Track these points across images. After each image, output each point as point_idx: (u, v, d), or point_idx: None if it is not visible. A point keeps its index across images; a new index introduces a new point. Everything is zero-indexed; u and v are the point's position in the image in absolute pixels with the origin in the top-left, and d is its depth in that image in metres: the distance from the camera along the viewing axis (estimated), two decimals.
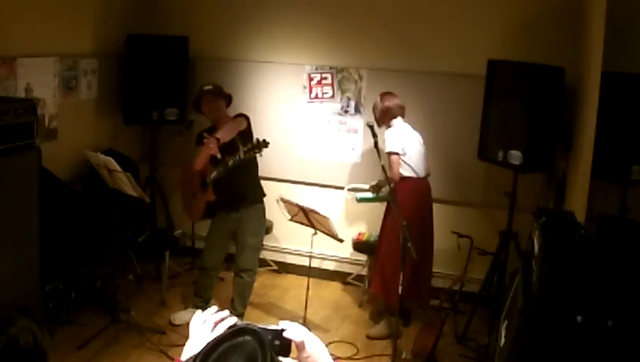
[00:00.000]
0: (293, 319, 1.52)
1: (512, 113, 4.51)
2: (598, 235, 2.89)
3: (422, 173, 4.71)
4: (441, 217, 4.95)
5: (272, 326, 1.43)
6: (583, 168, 3.82)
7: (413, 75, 5.32)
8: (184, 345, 1.62)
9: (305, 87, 5.65)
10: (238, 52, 5.76)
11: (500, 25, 5.08)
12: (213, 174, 4.42)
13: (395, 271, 4.08)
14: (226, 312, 1.64)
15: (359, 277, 5.61)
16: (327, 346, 1.50)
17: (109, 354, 4.22)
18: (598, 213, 3.43)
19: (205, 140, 4.32)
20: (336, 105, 5.60)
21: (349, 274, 5.74)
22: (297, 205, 4.47)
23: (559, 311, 2.58)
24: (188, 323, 1.66)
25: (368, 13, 5.43)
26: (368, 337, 4.77)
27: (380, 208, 5.25)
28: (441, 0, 5.25)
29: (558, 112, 4.51)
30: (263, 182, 4.89)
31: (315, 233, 4.48)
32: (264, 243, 5.75)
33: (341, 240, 4.60)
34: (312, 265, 4.81)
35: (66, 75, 5.02)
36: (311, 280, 4.72)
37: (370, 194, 5.10)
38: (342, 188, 5.60)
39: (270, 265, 5.90)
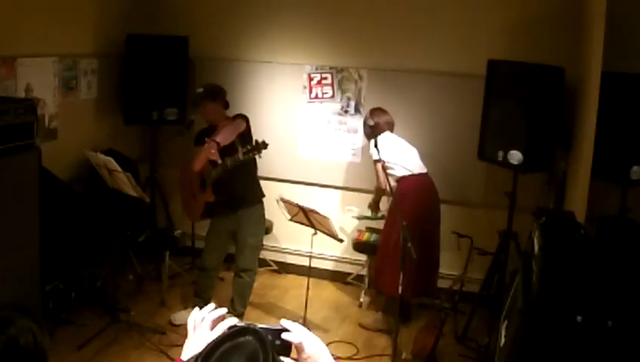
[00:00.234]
0: (293, 319, 1.52)
1: (512, 113, 4.51)
2: (598, 235, 2.89)
3: (417, 170, 4.75)
4: (441, 217, 4.94)
5: (273, 326, 1.43)
6: (583, 168, 3.82)
7: (413, 74, 5.33)
8: (184, 344, 1.63)
9: (305, 87, 5.65)
10: (238, 52, 5.76)
11: (500, 25, 5.08)
12: (212, 175, 4.42)
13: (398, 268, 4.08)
14: (224, 310, 1.64)
15: (359, 277, 5.61)
16: (327, 346, 1.50)
17: (109, 354, 4.22)
18: (598, 213, 3.43)
19: (206, 145, 4.29)
20: (337, 105, 5.60)
21: (349, 274, 5.74)
22: (297, 205, 4.47)
23: (559, 311, 2.58)
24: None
25: (368, 14, 5.43)
26: (361, 325, 4.85)
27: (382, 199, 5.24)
28: (442, 0, 5.25)
29: (558, 112, 4.51)
30: (263, 182, 4.89)
31: (315, 233, 4.48)
32: (264, 243, 5.75)
33: (341, 240, 4.60)
34: (312, 265, 4.80)
35: (66, 75, 5.02)
36: (311, 280, 4.72)
37: (369, 214, 5.25)
38: (342, 188, 5.61)
39: (270, 265, 5.90)
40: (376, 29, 5.41)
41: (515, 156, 4.46)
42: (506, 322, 3.18)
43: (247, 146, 4.18)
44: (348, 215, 5.48)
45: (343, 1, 5.50)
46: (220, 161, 4.27)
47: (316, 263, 5.50)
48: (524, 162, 4.43)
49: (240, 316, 4.62)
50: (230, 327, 1.50)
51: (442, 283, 5.21)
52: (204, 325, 1.60)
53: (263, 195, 4.75)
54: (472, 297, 4.80)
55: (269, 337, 1.36)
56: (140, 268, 5.40)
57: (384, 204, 5.12)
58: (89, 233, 4.79)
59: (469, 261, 4.95)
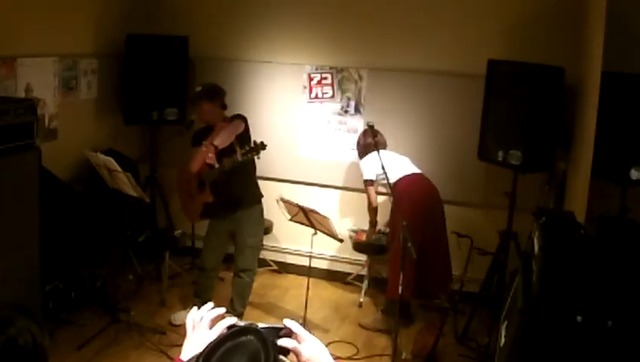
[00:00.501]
0: (293, 319, 1.52)
1: (512, 113, 4.51)
2: (598, 235, 2.89)
3: (409, 171, 4.79)
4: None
5: (274, 325, 1.43)
6: (583, 168, 3.82)
7: (413, 74, 5.33)
8: (183, 344, 1.63)
9: (305, 87, 5.65)
10: (238, 52, 5.76)
11: (500, 24, 5.08)
12: (210, 176, 4.40)
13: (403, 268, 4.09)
14: (222, 309, 1.64)
15: (359, 277, 5.61)
16: (327, 346, 1.50)
17: (109, 354, 4.22)
18: (598, 213, 3.42)
19: (203, 148, 4.26)
20: (337, 105, 5.60)
21: (349, 274, 5.74)
22: (297, 205, 4.47)
23: (559, 311, 2.57)
24: None
25: (368, 14, 5.43)
26: (361, 325, 4.87)
27: (383, 210, 5.26)
28: (442, 0, 5.25)
29: (558, 112, 4.51)
30: (263, 182, 4.89)
31: (315, 233, 4.48)
32: (264, 243, 5.76)
33: (341, 240, 4.61)
34: (312, 265, 4.80)
35: (66, 75, 5.02)
36: (311, 280, 4.72)
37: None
38: (342, 188, 5.61)
39: (270, 265, 5.90)
40: (377, 28, 5.42)
41: (515, 156, 4.46)
42: (506, 322, 3.17)
43: (246, 147, 4.16)
44: (346, 231, 5.44)
45: (344, 1, 5.50)
46: (217, 165, 4.25)
47: (316, 263, 5.51)
48: (524, 162, 4.43)
49: (239, 316, 4.62)
50: (231, 327, 1.50)
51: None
52: (202, 324, 1.60)
53: (262, 196, 4.74)
54: (472, 297, 4.80)
55: (270, 337, 1.35)
56: (140, 268, 5.40)
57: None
58: (89, 233, 4.78)
59: (469, 261, 4.94)
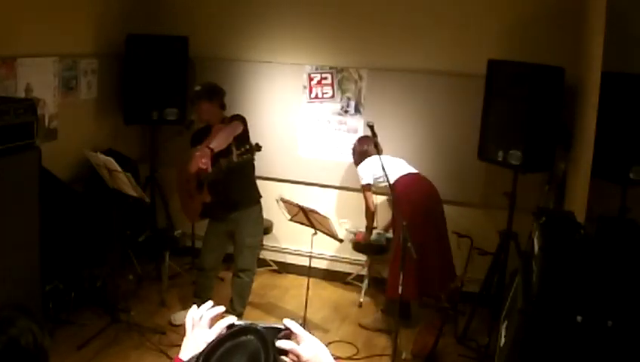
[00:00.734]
0: (293, 319, 1.52)
1: (512, 113, 4.51)
2: (598, 235, 2.89)
3: (406, 171, 4.80)
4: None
5: (274, 325, 1.43)
6: (583, 168, 3.82)
7: (413, 74, 5.33)
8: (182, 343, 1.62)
9: (305, 87, 5.65)
10: (238, 52, 5.76)
11: (500, 24, 5.08)
12: (208, 176, 4.39)
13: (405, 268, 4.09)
14: (222, 308, 1.63)
15: (359, 277, 5.61)
16: (327, 346, 1.49)
17: (109, 354, 4.22)
18: (598, 213, 3.42)
19: (198, 153, 4.22)
20: (337, 105, 5.60)
21: (349, 274, 5.74)
22: (297, 205, 4.47)
23: (559, 311, 2.57)
24: None
25: (368, 13, 5.43)
26: (361, 325, 4.88)
27: (382, 210, 5.27)
28: (442, 0, 5.25)
29: (558, 112, 4.51)
30: (263, 182, 4.89)
31: (315, 233, 4.48)
32: (264, 243, 5.77)
33: (341, 240, 4.61)
34: (312, 265, 4.80)
35: (66, 75, 5.02)
36: (311, 280, 4.72)
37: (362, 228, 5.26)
38: (341, 188, 5.61)
39: (270, 265, 5.90)
40: (377, 28, 5.42)
41: (515, 156, 4.46)
42: (506, 322, 3.17)
43: (242, 148, 4.14)
44: (342, 227, 5.44)
45: (344, 1, 5.50)
46: (210, 170, 4.22)
47: (316, 263, 5.51)
48: (524, 162, 4.43)
49: (239, 316, 4.62)
50: (231, 326, 1.50)
51: None
52: (202, 323, 1.60)
53: (260, 196, 4.74)
54: (472, 297, 4.80)
55: (270, 336, 1.35)
56: (140, 268, 5.40)
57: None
58: (89, 233, 4.78)
59: (469, 261, 4.94)
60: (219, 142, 4.25)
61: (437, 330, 4.49)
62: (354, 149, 5.19)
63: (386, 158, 4.90)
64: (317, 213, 4.37)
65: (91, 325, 4.49)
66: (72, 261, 4.65)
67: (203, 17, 5.79)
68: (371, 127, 4.13)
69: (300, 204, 4.47)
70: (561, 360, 2.58)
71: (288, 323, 1.45)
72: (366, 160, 4.98)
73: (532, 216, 3.56)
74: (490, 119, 4.72)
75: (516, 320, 2.77)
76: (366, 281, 5.42)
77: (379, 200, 5.13)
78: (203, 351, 1.30)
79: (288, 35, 5.65)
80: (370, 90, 5.49)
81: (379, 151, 4.40)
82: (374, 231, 5.27)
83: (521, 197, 4.71)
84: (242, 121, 4.47)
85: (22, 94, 4.45)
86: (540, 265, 2.74)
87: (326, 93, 5.62)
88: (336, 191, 5.69)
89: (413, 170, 4.88)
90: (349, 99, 5.57)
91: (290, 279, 5.77)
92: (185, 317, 1.65)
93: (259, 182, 4.85)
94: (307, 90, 5.64)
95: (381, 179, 4.65)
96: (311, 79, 5.63)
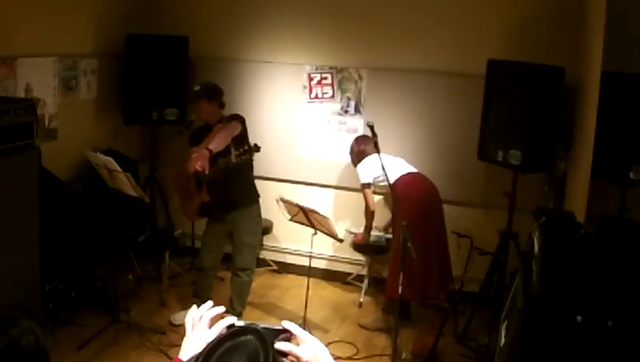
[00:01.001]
0: (293, 319, 1.52)
1: (512, 113, 4.51)
2: (598, 235, 2.89)
3: (406, 170, 4.81)
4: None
5: (274, 326, 1.43)
6: (583, 168, 3.82)
7: (413, 74, 5.33)
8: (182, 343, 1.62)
9: (305, 87, 5.65)
10: (238, 52, 5.76)
11: (500, 24, 5.08)
12: (206, 176, 4.38)
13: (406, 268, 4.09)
14: (222, 308, 1.63)
15: (359, 277, 5.61)
16: (327, 346, 1.49)
17: (109, 354, 4.22)
18: (598, 213, 3.43)
19: (195, 155, 4.23)
20: (337, 105, 5.60)
21: (349, 274, 5.74)
22: (297, 205, 4.47)
23: (559, 311, 2.57)
24: None
25: (368, 13, 5.43)
26: (361, 325, 4.88)
27: (379, 210, 5.26)
28: (442, 0, 5.25)
29: (558, 112, 4.51)
30: (263, 182, 4.89)
31: (315, 233, 4.48)
32: (264, 243, 5.77)
33: (341, 240, 4.61)
34: (312, 265, 4.80)
35: (66, 75, 5.02)
36: (311, 280, 4.72)
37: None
38: (342, 188, 5.61)
39: (270, 265, 5.90)
40: (377, 28, 5.42)
41: (515, 156, 4.46)
42: (506, 322, 3.17)
43: (240, 149, 4.15)
44: (343, 231, 5.43)
45: (344, 1, 5.50)
46: (207, 171, 4.22)
47: (316, 263, 5.51)
48: (524, 162, 4.43)
49: (239, 315, 4.62)
50: (230, 326, 1.50)
51: None
52: (202, 323, 1.60)
53: (259, 196, 4.74)
54: (472, 297, 4.80)
55: (270, 337, 1.35)
56: (140, 268, 5.40)
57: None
58: (89, 233, 4.79)
59: (468, 261, 4.94)
60: (217, 143, 4.25)
61: (437, 330, 4.49)
62: (351, 149, 5.19)
63: (386, 157, 4.90)
64: (317, 213, 4.37)
65: (91, 325, 4.49)
66: (72, 261, 4.65)
67: (203, 17, 5.80)
68: (371, 127, 4.13)
69: (300, 203, 4.47)
70: (561, 360, 2.58)
71: (287, 324, 1.45)
72: (365, 159, 4.98)
73: (532, 215, 3.56)
74: (490, 119, 4.72)
75: (516, 320, 2.77)
76: (366, 281, 5.42)
77: (377, 198, 5.12)
78: (202, 351, 1.30)
79: (288, 35, 5.65)
80: (370, 90, 5.49)
81: (378, 151, 4.40)
82: (374, 232, 5.28)
83: (521, 197, 4.71)
84: (241, 121, 4.47)
85: (22, 94, 4.45)
86: (540, 265, 2.74)
87: (326, 93, 5.62)
88: (336, 191, 5.69)
89: (413, 169, 4.88)
90: (349, 99, 5.57)
91: (290, 279, 5.77)
92: (185, 317, 1.65)
93: (259, 182, 4.85)
94: (307, 90, 5.65)
95: (381, 179, 4.65)
96: (311, 79, 5.63)
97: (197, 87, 4.65)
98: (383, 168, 4.08)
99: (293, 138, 5.71)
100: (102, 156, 4.42)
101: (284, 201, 4.61)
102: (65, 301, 4.53)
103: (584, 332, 2.52)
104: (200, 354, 1.30)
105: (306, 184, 5.72)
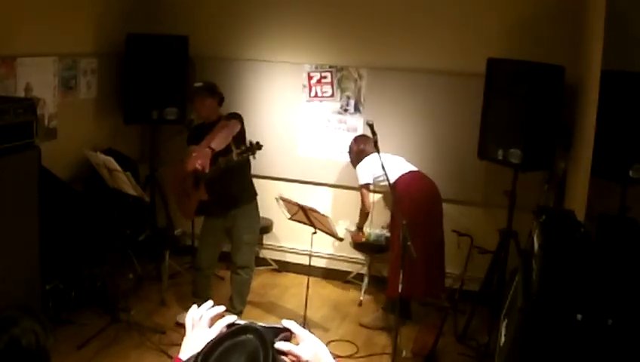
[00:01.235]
0: (293, 318, 1.52)
1: (512, 112, 4.51)
2: (598, 234, 2.89)
3: (406, 169, 4.81)
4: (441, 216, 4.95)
5: (274, 325, 1.43)
6: (583, 167, 3.82)
7: (412, 73, 5.33)
8: (182, 343, 1.62)
9: (304, 86, 5.65)
10: (238, 51, 5.76)
11: (500, 23, 5.07)
12: (206, 175, 4.38)
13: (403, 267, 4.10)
14: (222, 307, 1.63)
15: (359, 276, 5.61)
16: (327, 345, 1.49)
17: (109, 354, 4.22)
18: (598, 212, 3.43)
19: (195, 154, 4.24)
20: (336, 104, 5.60)
21: (349, 272, 5.74)
22: (297, 204, 4.47)
23: (559, 309, 2.58)
24: None
25: (368, 12, 5.43)
26: (361, 324, 4.88)
27: (379, 210, 5.27)
28: None
29: (558, 111, 4.51)
30: (263, 181, 4.89)
31: (315, 232, 4.48)
32: (264, 242, 5.77)
33: (341, 239, 4.61)
34: (312, 263, 4.81)
35: (66, 74, 5.01)
36: (311, 278, 4.73)
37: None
38: (341, 186, 5.61)
39: (270, 264, 5.90)
40: (376, 27, 5.41)
41: (515, 155, 4.46)
42: (506, 321, 3.17)
43: (242, 147, 4.16)
44: (343, 230, 5.44)
45: (344, 0, 5.50)
46: (206, 171, 4.23)
47: (316, 262, 5.51)
48: (524, 161, 4.43)
49: (239, 314, 4.62)
50: (230, 325, 1.50)
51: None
52: (202, 323, 1.59)
53: (256, 193, 4.75)
54: (472, 296, 4.80)
55: (270, 336, 1.35)
56: (140, 267, 5.40)
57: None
58: (89, 233, 4.78)
59: (469, 259, 4.95)
60: (219, 141, 4.26)
61: (437, 329, 4.49)
62: (350, 149, 5.18)
63: (386, 156, 4.90)
64: (317, 211, 4.37)
65: (91, 324, 4.49)
66: (72, 260, 4.65)
67: (203, 17, 5.79)
68: (371, 126, 4.12)
69: (300, 202, 4.47)
70: (561, 358, 2.58)
71: (288, 323, 1.45)
72: (365, 159, 4.97)
73: (532, 214, 3.56)
74: (490, 118, 4.72)
75: (516, 318, 2.77)
76: (366, 280, 5.42)
77: (376, 198, 5.12)
78: (202, 350, 1.30)
79: (288, 34, 5.65)
80: (369, 89, 5.49)
81: (377, 151, 4.40)
82: (375, 230, 5.28)
83: (521, 196, 4.71)
84: (240, 119, 4.48)
85: (21, 94, 4.45)
86: (540, 264, 2.74)
87: (326, 92, 5.61)
88: (336, 189, 5.69)
89: (414, 168, 4.88)
90: (348, 98, 5.57)
91: (290, 278, 5.77)
92: None
93: (258, 181, 4.85)
94: (307, 89, 5.64)
95: (381, 178, 4.65)
96: (310, 78, 5.63)
97: (199, 84, 4.67)
98: (383, 168, 4.08)
99: (292, 137, 5.71)
100: (102, 155, 4.42)
101: (284, 200, 4.61)
102: (65, 300, 4.53)
103: (584, 331, 2.52)
104: (199, 353, 1.30)
105: (306, 183, 5.72)
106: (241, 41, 5.75)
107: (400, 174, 4.72)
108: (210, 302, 1.64)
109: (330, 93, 5.60)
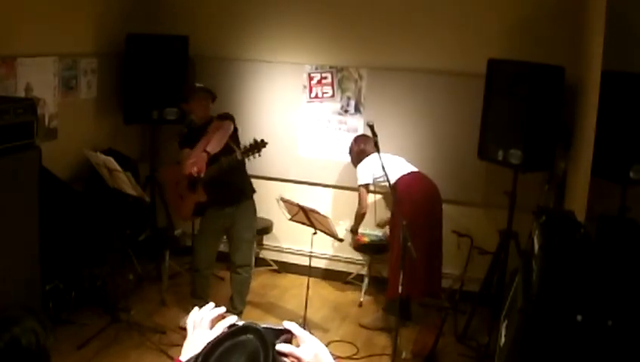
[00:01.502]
0: (293, 319, 1.52)
1: (512, 112, 4.51)
2: (598, 235, 2.89)
3: (407, 170, 4.80)
4: (442, 216, 4.94)
5: (274, 325, 1.42)
6: (583, 167, 3.82)
7: (413, 74, 5.33)
8: (183, 344, 1.62)
9: (305, 87, 5.65)
10: (238, 51, 5.76)
11: (500, 24, 5.08)
12: (206, 175, 4.38)
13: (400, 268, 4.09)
14: (223, 309, 1.63)
15: (359, 277, 5.61)
16: (327, 346, 1.49)
17: (109, 354, 4.22)
18: (598, 213, 3.43)
19: (191, 161, 4.26)
20: (337, 105, 5.60)
21: (349, 273, 5.74)
22: (297, 205, 4.47)
23: (559, 310, 2.57)
24: None
25: (368, 13, 5.43)
26: (361, 325, 4.88)
27: (379, 210, 5.26)
28: None
29: (558, 111, 4.51)
30: (263, 182, 4.89)
31: (315, 232, 4.48)
32: (264, 242, 5.77)
33: (341, 240, 4.61)
34: (312, 264, 4.80)
35: (66, 74, 5.01)
36: (311, 279, 4.72)
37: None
38: (342, 187, 5.61)
39: (270, 265, 5.90)
40: (377, 28, 5.41)
41: (515, 155, 4.46)
42: (506, 321, 3.17)
43: (246, 146, 4.17)
44: (342, 230, 5.44)
45: (344, 1, 5.50)
46: (202, 174, 4.24)
47: (316, 263, 5.51)
48: (524, 161, 4.43)
49: (239, 314, 4.62)
50: (230, 326, 1.50)
51: (442, 283, 5.21)
52: (203, 324, 1.59)
53: (254, 191, 4.76)
54: (472, 296, 4.80)
55: (270, 337, 1.35)
56: (140, 267, 5.40)
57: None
58: (89, 233, 4.78)
59: (469, 260, 4.95)
60: (214, 145, 4.28)
61: (437, 330, 4.49)
62: (351, 149, 5.17)
63: (386, 157, 4.90)
64: (317, 212, 4.37)
65: (91, 324, 4.49)
66: (72, 260, 4.65)
67: (203, 17, 5.79)
68: (371, 127, 4.12)
69: (300, 203, 4.47)
70: (561, 359, 2.58)
71: (288, 324, 1.45)
72: (365, 159, 4.97)
73: (532, 215, 3.56)
74: (490, 118, 4.72)
75: (516, 319, 2.77)
76: (366, 281, 5.42)
77: (377, 197, 5.12)
78: (202, 350, 1.29)
79: (288, 35, 5.65)
80: (370, 90, 5.48)
81: (378, 151, 4.39)
82: (375, 231, 5.28)
83: (522, 197, 4.71)
84: (232, 119, 4.50)
85: (22, 94, 4.45)
86: (540, 265, 2.74)
87: (326, 92, 5.61)
88: (336, 190, 5.69)
89: (414, 169, 4.88)
90: (349, 98, 5.57)
91: (291, 279, 5.77)
92: None
93: (258, 182, 4.86)
94: (307, 90, 5.64)
95: (381, 179, 4.65)
96: (311, 78, 5.63)
97: (200, 85, 4.69)
98: (384, 168, 4.08)
99: (293, 137, 5.71)
100: (102, 155, 4.42)
101: (284, 201, 4.61)
102: (65, 300, 4.53)
103: (584, 332, 2.52)
104: (200, 353, 1.30)
105: (306, 183, 5.72)
106: (242, 41, 5.75)
107: (400, 175, 4.72)
108: (211, 304, 1.64)
109: (330, 93, 5.60)
